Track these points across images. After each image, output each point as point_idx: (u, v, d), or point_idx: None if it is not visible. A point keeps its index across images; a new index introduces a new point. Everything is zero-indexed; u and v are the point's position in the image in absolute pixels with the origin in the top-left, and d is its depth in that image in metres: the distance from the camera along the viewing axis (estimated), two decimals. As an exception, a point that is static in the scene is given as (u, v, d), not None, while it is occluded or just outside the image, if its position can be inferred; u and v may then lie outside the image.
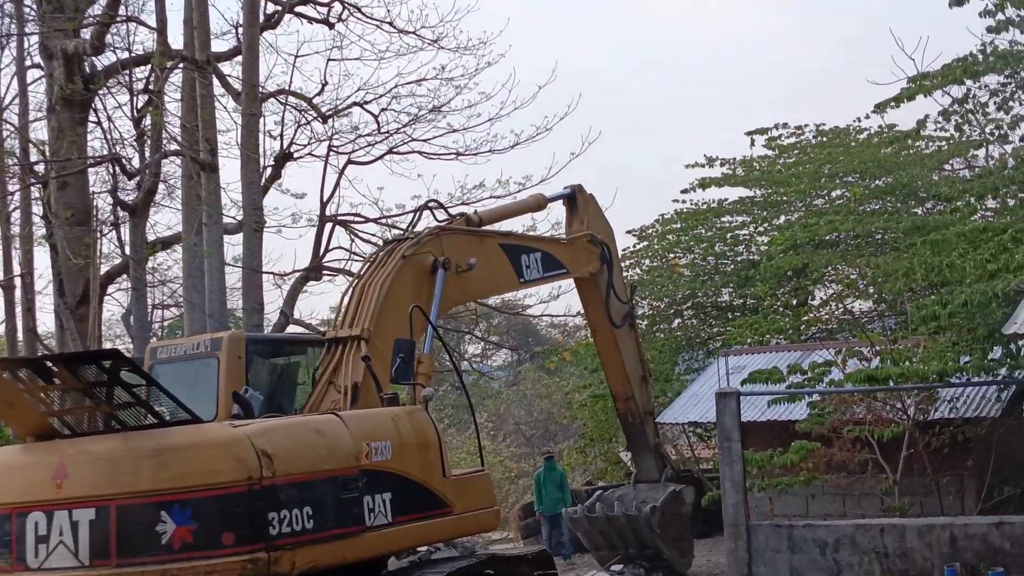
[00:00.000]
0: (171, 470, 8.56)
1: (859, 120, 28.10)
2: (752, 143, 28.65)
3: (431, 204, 13.99)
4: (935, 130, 23.59)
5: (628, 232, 28.23)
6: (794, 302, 26.17)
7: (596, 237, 15.81)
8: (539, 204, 15.88)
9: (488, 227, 14.38)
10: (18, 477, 8.98)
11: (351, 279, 12.97)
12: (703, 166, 28.42)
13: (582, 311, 16.76)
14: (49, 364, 8.84)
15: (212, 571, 8.45)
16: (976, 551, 11.99)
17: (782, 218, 27.34)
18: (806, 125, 29.08)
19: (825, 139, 28.64)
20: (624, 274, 27.07)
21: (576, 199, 16.11)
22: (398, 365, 11.18)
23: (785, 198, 26.74)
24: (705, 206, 28.05)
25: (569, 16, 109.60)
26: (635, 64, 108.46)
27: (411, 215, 14.01)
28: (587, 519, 16.49)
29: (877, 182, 26.01)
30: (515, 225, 15.38)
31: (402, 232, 13.36)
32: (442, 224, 13.53)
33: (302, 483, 9.03)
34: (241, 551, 8.51)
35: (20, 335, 22.04)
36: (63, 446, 8.98)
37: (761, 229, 27.57)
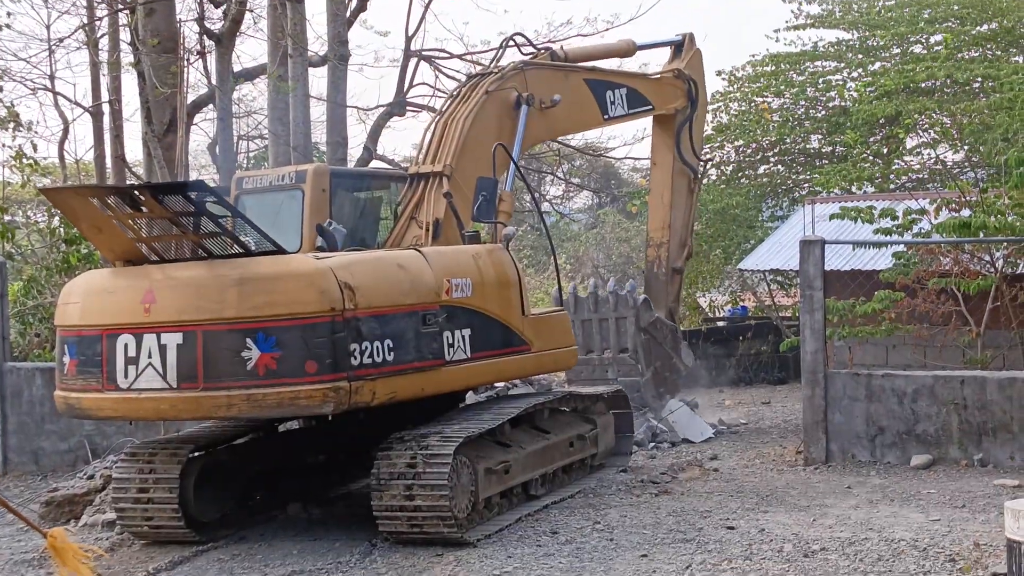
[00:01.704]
0: (256, 299, 8.74)
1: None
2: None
3: (516, 38, 13.74)
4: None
5: (717, 74, 27.60)
6: (885, 151, 25.60)
7: (684, 73, 15.50)
8: (628, 49, 15.50)
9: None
10: (109, 300, 9.22)
11: (434, 114, 12.87)
12: (799, 1, 27.56)
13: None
14: (136, 193, 8.96)
15: (296, 398, 8.70)
16: (1058, 406, 11.91)
17: (877, 64, 26.55)
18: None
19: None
20: (711, 118, 26.74)
21: (683, 47, 15.78)
22: (480, 203, 11.22)
23: (882, 42, 25.90)
24: (799, 43, 27.30)
25: None
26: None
27: (496, 50, 13.72)
28: (574, 299, 15.72)
29: (979, 28, 25.08)
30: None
31: (485, 67, 13.15)
32: (527, 59, 13.33)
33: (383, 316, 9.19)
34: (324, 379, 8.73)
35: (108, 161, 22.33)
36: (151, 271, 9.17)
37: (855, 75, 26.81)
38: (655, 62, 16.24)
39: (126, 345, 9.03)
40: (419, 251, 10.18)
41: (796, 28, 27.18)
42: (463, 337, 10.12)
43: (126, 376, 9.03)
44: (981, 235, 14.22)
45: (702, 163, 16.49)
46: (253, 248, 9.18)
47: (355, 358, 8.92)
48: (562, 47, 14.21)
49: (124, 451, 10.30)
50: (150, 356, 8.95)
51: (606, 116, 14.25)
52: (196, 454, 10.07)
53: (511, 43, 13.67)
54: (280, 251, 9.23)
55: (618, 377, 15.32)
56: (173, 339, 8.88)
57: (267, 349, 8.74)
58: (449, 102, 12.65)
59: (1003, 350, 16.34)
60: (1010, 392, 12.19)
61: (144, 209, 8.93)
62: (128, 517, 9.89)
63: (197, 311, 8.83)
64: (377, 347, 9.12)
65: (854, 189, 23.07)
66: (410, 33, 20.98)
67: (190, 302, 8.86)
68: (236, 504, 10.64)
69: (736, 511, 10.44)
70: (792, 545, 9.04)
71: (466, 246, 11.05)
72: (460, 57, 21.55)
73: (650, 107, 15.06)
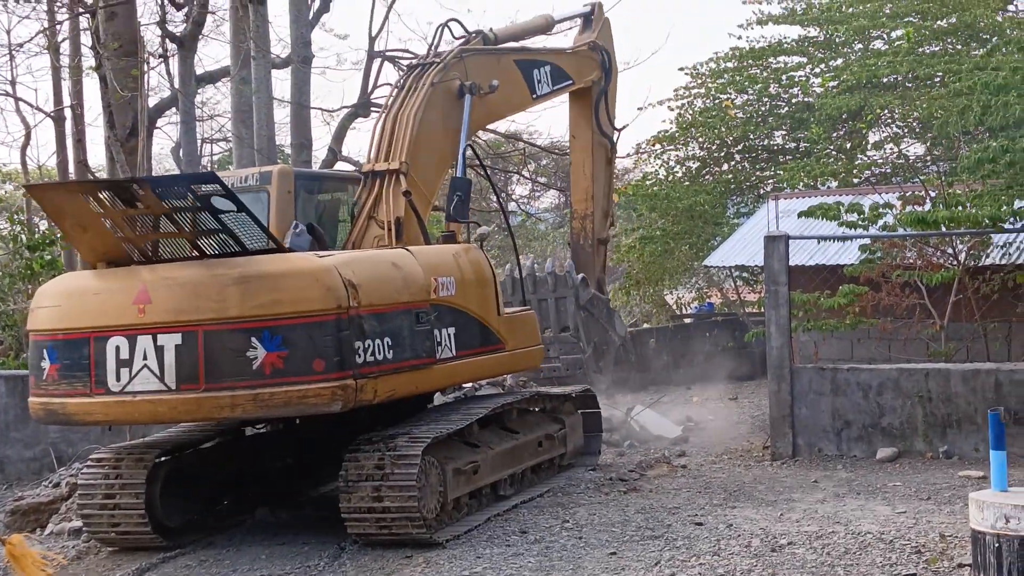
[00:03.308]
0: (260, 297, 8.68)
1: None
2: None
3: (450, 23, 13.67)
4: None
5: (680, 70, 27.72)
6: (848, 146, 25.76)
7: (597, 44, 15.90)
8: (548, 24, 15.88)
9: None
10: (95, 302, 9.07)
11: (381, 109, 12.83)
12: (760, 0, 27.67)
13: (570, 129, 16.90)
14: (135, 187, 8.83)
15: (304, 396, 8.66)
16: (1021, 397, 12.00)
17: (839, 60, 26.71)
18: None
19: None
20: (675, 115, 26.86)
21: (591, 17, 16.18)
22: (456, 203, 11.31)
23: (843, 37, 26.06)
24: (763, 40, 27.41)
25: None
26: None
27: (432, 39, 13.63)
28: (511, 280, 15.60)
29: (939, 23, 25.28)
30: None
31: (423, 57, 13.14)
32: (464, 46, 13.30)
33: (383, 314, 9.26)
34: (331, 378, 8.72)
35: (71, 167, 22.18)
36: (140, 272, 9.07)
37: (818, 71, 26.96)
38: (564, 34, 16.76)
39: (118, 347, 8.91)
40: (408, 250, 10.24)
41: (760, 23, 27.27)
42: (449, 335, 10.17)
43: (118, 379, 8.91)
44: (943, 228, 14.33)
45: (617, 131, 17.00)
46: (249, 246, 9.10)
47: (359, 356, 8.92)
48: (491, 28, 14.24)
49: (90, 457, 10.22)
50: (145, 358, 8.84)
51: (534, 95, 14.48)
52: (162, 459, 10.00)
53: (446, 27, 13.60)
54: (280, 249, 9.21)
55: (560, 355, 15.60)
56: (171, 340, 8.78)
57: (273, 348, 8.68)
58: (395, 95, 12.59)
59: (966, 342, 16.47)
60: (974, 384, 12.29)
61: (140, 204, 8.84)
62: (94, 524, 9.81)
63: (197, 311, 8.74)
64: (378, 345, 9.14)
65: (818, 185, 23.20)
66: (373, 34, 20.95)
67: (189, 302, 8.77)
68: (204, 509, 10.58)
69: (704, 507, 10.47)
70: (760, 540, 9.08)
71: (447, 245, 11.09)
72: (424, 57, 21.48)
73: (571, 81, 15.34)
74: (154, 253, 9.21)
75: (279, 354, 8.67)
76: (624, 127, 17.30)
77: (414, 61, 13.17)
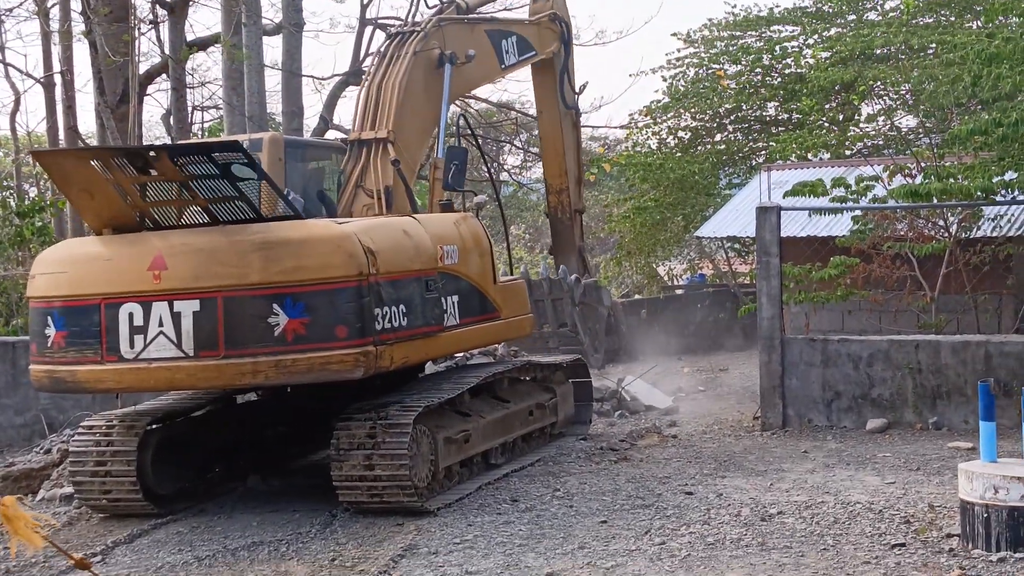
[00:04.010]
0: (281, 264, 8.68)
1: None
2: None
3: None
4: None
5: (673, 35, 27.66)
6: (840, 118, 25.72)
7: (557, 15, 15.99)
8: None
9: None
10: (105, 268, 9.00)
11: (364, 77, 12.82)
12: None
13: (536, 101, 17.08)
14: (152, 154, 8.75)
15: (327, 363, 8.68)
16: (1010, 369, 12.05)
17: (833, 30, 26.63)
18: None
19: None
20: (666, 83, 26.82)
21: None
22: (452, 172, 11.41)
23: (835, 8, 25.97)
24: (756, 9, 27.31)
25: None
26: None
27: (411, 6, 13.59)
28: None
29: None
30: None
31: (402, 24, 13.09)
32: (441, 15, 13.27)
33: (398, 281, 9.32)
34: (353, 344, 8.75)
35: (61, 133, 22.08)
36: (150, 238, 9.01)
37: (811, 41, 26.89)
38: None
39: (131, 314, 8.85)
40: (415, 218, 10.27)
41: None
42: (453, 303, 10.24)
43: (132, 346, 8.86)
44: (935, 200, 14.32)
45: (577, 94, 17.15)
46: (264, 214, 9.06)
47: (378, 323, 8.96)
48: None
49: (81, 424, 10.21)
50: (161, 324, 8.79)
51: (502, 65, 14.54)
52: (153, 427, 9.99)
53: None
54: (297, 216, 9.19)
55: (559, 346, 16.31)
56: (188, 306, 8.74)
57: (296, 314, 8.67)
58: (377, 64, 12.56)
59: (956, 314, 16.50)
60: (963, 356, 12.33)
61: (154, 172, 8.77)
62: (86, 490, 9.81)
63: (216, 277, 8.71)
64: (394, 312, 9.18)
65: (810, 156, 23.18)
66: (365, 1, 20.86)
67: (207, 268, 8.73)
68: (195, 477, 10.59)
69: (694, 477, 10.51)
70: (749, 509, 9.12)
71: (448, 214, 11.13)
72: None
73: (534, 53, 15.41)
74: (165, 219, 9.15)
75: (301, 320, 8.67)
76: (585, 84, 17.38)
77: (394, 30, 13.16)
